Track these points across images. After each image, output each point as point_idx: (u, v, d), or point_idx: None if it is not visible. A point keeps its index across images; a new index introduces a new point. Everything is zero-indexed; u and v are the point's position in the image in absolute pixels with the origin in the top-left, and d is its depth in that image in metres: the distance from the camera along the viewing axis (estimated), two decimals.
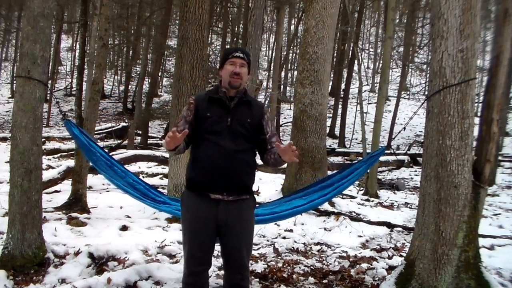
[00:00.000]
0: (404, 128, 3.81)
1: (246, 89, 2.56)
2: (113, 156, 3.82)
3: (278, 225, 5.35)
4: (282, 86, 24.51)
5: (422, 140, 14.37)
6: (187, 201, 2.49)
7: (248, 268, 2.55)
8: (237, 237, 2.44)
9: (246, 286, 2.49)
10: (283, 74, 24.79)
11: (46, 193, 6.47)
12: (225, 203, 2.40)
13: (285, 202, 3.56)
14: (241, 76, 2.46)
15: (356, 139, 21.58)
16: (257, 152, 2.59)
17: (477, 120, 3.13)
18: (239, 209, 2.44)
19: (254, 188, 7.49)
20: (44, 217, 4.82)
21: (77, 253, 3.82)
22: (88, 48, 12.00)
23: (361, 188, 9.36)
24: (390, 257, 4.44)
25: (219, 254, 4.18)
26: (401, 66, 23.06)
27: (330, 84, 19.42)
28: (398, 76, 26.49)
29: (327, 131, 14.01)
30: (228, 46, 23.89)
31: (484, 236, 4.98)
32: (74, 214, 5.28)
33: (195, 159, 2.47)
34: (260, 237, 4.95)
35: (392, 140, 4.42)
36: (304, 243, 4.86)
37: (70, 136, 3.97)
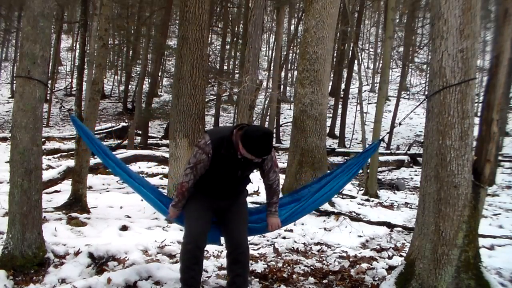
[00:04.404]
0: (400, 124, 3.80)
1: None
2: None
3: None
4: (282, 86, 24.50)
5: (422, 140, 14.37)
6: (194, 193, 2.97)
7: (247, 244, 2.97)
8: (236, 214, 2.99)
9: (246, 261, 2.95)
10: (283, 74, 24.77)
11: (46, 193, 6.48)
12: (225, 200, 3.02)
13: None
14: None
15: (356, 139, 21.58)
16: None
17: (477, 120, 3.13)
18: (236, 198, 3.06)
19: (255, 188, 7.42)
20: (44, 217, 4.82)
21: (77, 253, 3.82)
22: (88, 48, 12.00)
23: (361, 188, 9.36)
24: (390, 257, 4.44)
25: (219, 254, 4.20)
26: (401, 66, 23.08)
27: (330, 84, 19.41)
28: (398, 76, 26.47)
29: (327, 131, 14.01)
30: (228, 46, 23.90)
31: (484, 236, 4.98)
32: (74, 214, 5.28)
33: (203, 180, 2.91)
34: (260, 237, 4.94)
35: (387, 134, 4.38)
36: (304, 243, 4.86)
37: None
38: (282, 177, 8.46)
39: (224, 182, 2.89)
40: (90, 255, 3.66)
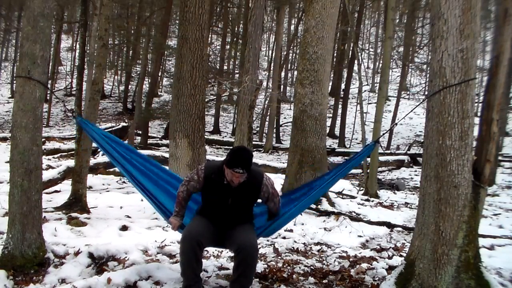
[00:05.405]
0: (396, 124, 3.84)
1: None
2: None
3: None
4: (282, 86, 24.49)
5: (422, 140, 14.37)
6: (201, 214, 3.21)
7: (256, 246, 3.00)
8: (240, 226, 3.08)
9: (253, 263, 2.95)
10: (283, 74, 24.77)
11: (46, 193, 6.48)
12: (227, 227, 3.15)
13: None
14: (240, 182, 2.96)
15: (356, 139, 21.58)
16: None
17: (477, 120, 3.13)
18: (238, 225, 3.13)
19: None
20: (44, 217, 4.81)
21: (77, 253, 3.82)
22: (88, 48, 12.00)
23: (361, 188, 9.36)
24: (390, 257, 4.43)
25: (219, 254, 4.20)
26: (401, 66, 23.08)
27: (330, 84, 19.40)
28: (398, 76, 26.48)
29: (327, 131, 14.02)
30: (228, 47, 23.90)
31: (484, 236, 4.98)
32: (74, 214, 5.28)
33: (204, 206, 3.19)
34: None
35: (383, 135, 4.44)
36: (304, 243, 4.86)
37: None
38: (282, 176, 8.47)
39: (219, 210, 3.08)
40: (90, 255, 3.66)
